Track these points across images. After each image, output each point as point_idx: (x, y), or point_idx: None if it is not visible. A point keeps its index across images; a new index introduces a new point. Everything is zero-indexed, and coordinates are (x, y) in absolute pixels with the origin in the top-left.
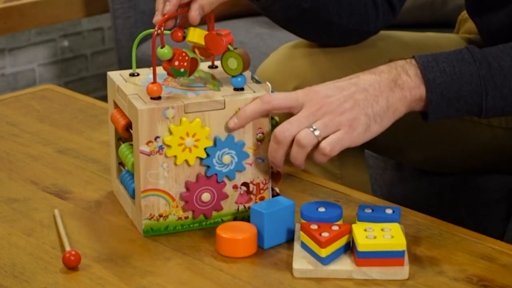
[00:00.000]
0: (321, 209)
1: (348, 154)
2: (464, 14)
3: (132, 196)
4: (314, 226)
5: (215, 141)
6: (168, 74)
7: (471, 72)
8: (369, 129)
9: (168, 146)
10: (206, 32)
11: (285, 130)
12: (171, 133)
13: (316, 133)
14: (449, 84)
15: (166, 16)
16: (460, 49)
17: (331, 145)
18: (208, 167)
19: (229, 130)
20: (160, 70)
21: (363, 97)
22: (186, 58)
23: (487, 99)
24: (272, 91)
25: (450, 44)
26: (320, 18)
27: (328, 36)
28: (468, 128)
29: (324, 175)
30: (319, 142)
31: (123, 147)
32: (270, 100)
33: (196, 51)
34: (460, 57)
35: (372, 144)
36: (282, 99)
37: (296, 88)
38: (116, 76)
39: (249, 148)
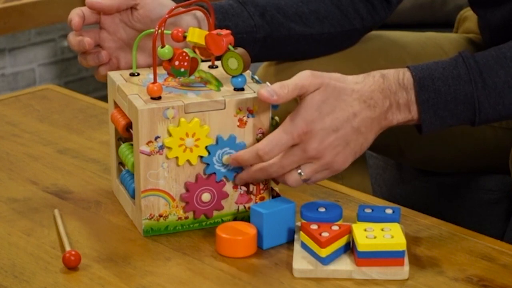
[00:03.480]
0: (321, 209)
1: None
2: (463, 13)
3: (132, 196)
4: (314, 226)
5: (217, 139)
6: (169, 74)
7: (466, 92)
8: (351, 162)
9: (169, 148)
10: (207, 32)
11: (277, 168)
12: (170, 134)
13: (303, 177)
14: (443, 104)
15: (166, 16)
16: (456, 61)
17: (313, 182)
18: (208, 165)
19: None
20: (160, 70)
21: (355, 138)
22: (187, 58)
23: (480, 116)
24: None
25: (450, 44)
26: (284, 38)
27: (310, 49)
28: (468, 128)
29: None
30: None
31: (123, 147)
32: (267, 153)
33: (197, 51)
34: (456, 74)
35: (372, 144)
36: (278, 147)
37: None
38: (116, 76)
39: None
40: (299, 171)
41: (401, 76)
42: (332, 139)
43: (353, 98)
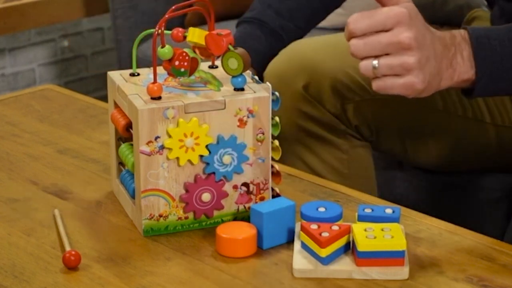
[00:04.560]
0: (321, 209)
1: (357, 153)
2: (472, 13)
3: (132, 196)
4: (314, 226)
5: (218, 139)
6: (169, 74)
7: None
8: (418, 93)
9: (169, 149)
10: (207, 32)
11: (358, 46)
12: (170, 136)
13: (375, 70)
14: (499, 63)
15: (166, 16)
16: (510, 26)
17: (380, 89)
18: (208, 164)
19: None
20: (160, 70)
21: (434, 61)
22: (187, 58)
23: None
24: (272, 92)
25: None
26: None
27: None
28: (472, 127)
29: (331, 174)
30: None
31: (123, 147)
32: (354, 20)
33: (197, 51)
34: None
35: (377, 144)
36: (367, 18)
37: (305, 86)
38: (116, 76)
39: (249, 148)
40: (377, 60)
41: (462, 32)
42: (423, 41)
43: (433, 30)
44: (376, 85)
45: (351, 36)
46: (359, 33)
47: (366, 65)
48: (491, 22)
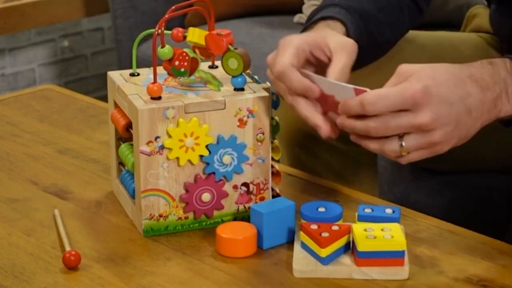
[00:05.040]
0: (321, 209)
1: (363, 158)
2: (473, 10)
3: (132, 196)
4: (314, 226)
5: (218, 139)
6: (169, 74)
7: None
8: (450, 147)
9: (169, 149)
10: (207, 32)
11: (379, 124)
12: (170, 136)
13: (403, 149)
14: None
15: (166, 16)
16: None
17: (409, 161)
18: (208, 164)
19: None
20: (160, 70)
21: (465, 121)
22: (187, 58)
23: None
24: (272, 93)
25: (463, 44)
26: (382, 44)
27: (379, 56)
28: (488, 130)
29: (336, 179)
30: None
31: (123, 147)
32: (370, 103)
33: (197, 51)
34: None
35: None
36: (385, 100)
37: None
38: (116, 76)
39: (249, 148)
40: (401, 142)
41: (508, 64)
42: (445, 113)
43: (465, 75)
44: (404, 160)
45: (364, 114)
46: (375, 114)
47: (393, 149)
48: (490, 19)
